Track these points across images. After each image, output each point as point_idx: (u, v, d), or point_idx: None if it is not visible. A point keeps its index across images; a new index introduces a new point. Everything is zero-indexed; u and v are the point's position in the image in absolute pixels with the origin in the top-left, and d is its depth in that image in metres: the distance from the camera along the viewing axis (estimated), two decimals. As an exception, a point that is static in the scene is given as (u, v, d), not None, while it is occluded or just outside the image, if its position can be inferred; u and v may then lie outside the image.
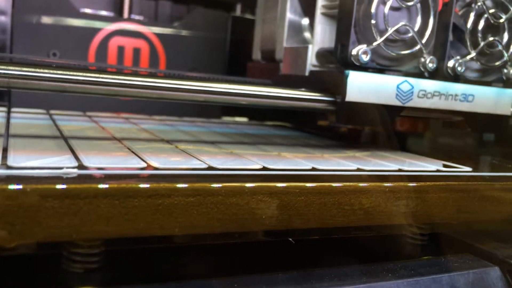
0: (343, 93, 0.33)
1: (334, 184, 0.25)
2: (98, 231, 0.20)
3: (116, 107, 0.49)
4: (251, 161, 0.28)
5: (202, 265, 0.26)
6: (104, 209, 0.20)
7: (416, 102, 0.35)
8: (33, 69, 0.27)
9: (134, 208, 0.20)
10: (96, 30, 0.49)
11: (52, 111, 0.44)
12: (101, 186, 0.20)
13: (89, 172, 0.22)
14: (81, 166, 0.22)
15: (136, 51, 0.51)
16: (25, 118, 0.38)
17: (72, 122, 0.38)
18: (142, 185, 0.20)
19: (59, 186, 0.19)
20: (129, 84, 0.30)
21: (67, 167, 0.21)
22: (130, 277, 0.23)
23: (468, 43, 0.37)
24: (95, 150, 0.27)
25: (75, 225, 0.19)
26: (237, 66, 0.52)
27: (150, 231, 0.21)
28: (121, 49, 0.51)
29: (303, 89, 0.35)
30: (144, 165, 0.24)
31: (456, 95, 0.37)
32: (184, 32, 0.53)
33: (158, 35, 0.52)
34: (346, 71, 0.33)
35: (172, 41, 0.52)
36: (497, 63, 0.38)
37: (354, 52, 0.33)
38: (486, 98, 0.38)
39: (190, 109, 0.52)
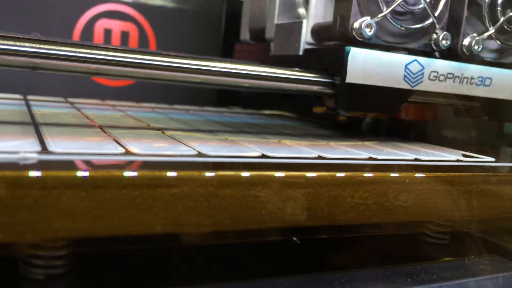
0: (343, 73, 0.29)
1: (344, 174, 0.22)
2: (60, 230, 0.16)
3: (103, 95, 0.46)
4: (248, 148, 0.24)
5: (189, 270, 0.22)
6: (67, 203, 0.16)
7: (427, 85, 0.31)
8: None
9: (105, 202, 0.16)
10: (81, 12, 0.45)
11: (29, 97, 0.40)
12: (63, 174, 0.16)
13: (52, 157, 0.18)
14: (44, 151, 0.19)
15: (124, 35, 0.48)
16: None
17: (47, 107, 0.34)
18: (115, 174, 0.17)
19: (9, 174, 0.15)
20: (111, 60, 0.26)
21: (26, 152, 0.18)
22: (101, 284, 0.19)
23: (486, 19, 0.33)
24: (66, 134, 0.23)
25: (30, 222, 0.16)
26: (232, 50, 0.49)
27: (126, 230, 0.17)
28: (108, 33, 0.47)
29: (295, 69, 0.30)
30: (122, 150, 0.20)
31: (472, 78, 0.33)
32: (175, 15, 0.49)
33: (148, 18, 0.48)
34: (347, 48, 0.29)
35: (163, 24, 0.48)
36: None
37: (356, 25, 0.29)
38: (505, 82, 0.34)
39: (180, 96, 0.49)
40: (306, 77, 0.30)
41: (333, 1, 0.31)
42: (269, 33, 0.37)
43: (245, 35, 0.42)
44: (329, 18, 0.32)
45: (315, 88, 0.30)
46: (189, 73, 0.27)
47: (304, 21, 0.33)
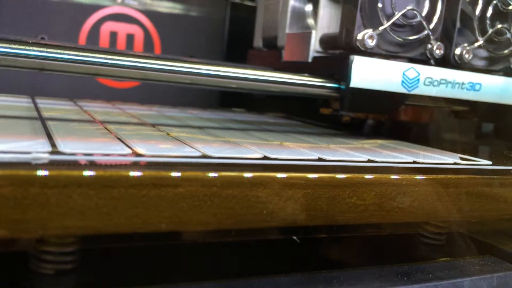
0: (348, 79, 0.32)
1: (344, 176, 0.22)
2: (70, 227, 0.17)
3: (108, 96, 0.46)
4: (250, 150, 0.25)
5: (192, 267, 0.23)
6: (77, 201, 0.17)
7: (422, 89, 0.34)
8: (7, 45, 0.25)
9: (113, 200, 0.17)
10: (87, 15, 0.46)
11: (36, 97, 0.41)
12: (74, 173, 0.17)
13: (62, 157, 0.19)
14: (54, 151, 0.19)
15: (130, 37, 0.48)
16: (4, 103, 0.35)
17: (55, 108, 0.35)
18: (123, 173, 0.17)
19: (22, 173, 0.16)
20: (116, 64, 0.27)
21: (37, 152, 0.18)
22: (108, 280, 0.20)
23: (476, 30, 0.36)
24: (75, 135, 0.24)
25: (42, 219, 0.16)
26: (235, 53, 0.50)
27: (132, 227, 0.18)
28: (113, 35, 0.48)
29: (306, 75, 0.33)
30: (129, 151, 0.21)
31: (463, 83, 0.35)
32: (180, 19, 0.50)
33: (153, 21, 0.49)
34: (351, 57, 0.32)
35: (167, 28, 0.49)
36: (505, 51, 0.37)
37: (359, 36, 0.32)
38: (493, 88, 0.37)
39: (185, 99, 0.49)
40: (315, 82, 0.33)
41: (339, 14, 0.34)
42: (281, 42, 0.41)
43: (258, 42, 0.45)
44: (335, 29, 0.35)
45: (322, 91, 0.33)
46: (205, 77, 0.29)
47: (313, 31, 0.36)
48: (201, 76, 0.29)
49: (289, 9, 0.39)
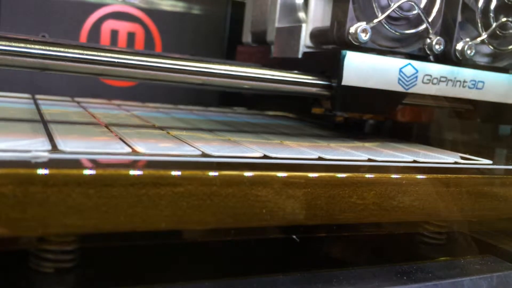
0: (339, 76, 0.30)
1: (343, 175, 0.22)
2: (69, 225, 0.17)
3: (109, 94, 0.46)
4: (250, 148, 0.25)
5: (192, 266, 0.23)
6: (76, 200, 0.17)
7: (421, 88, 0.32)
8: (8, 43, 0.25)
9: (112, 199, 0.17)
10: (88, 13, 0.46)
11: (37, 96, 0.41)
12: (73, 172, 0.17)
13: (62, 156, 0.19)
14: (54, 150, 0.19)
15: (131, 36, 0.48)
16: (4, 102, 0.35)
17: (55, 107, 0.35)
18: (122, 172, 0.17)
19: (22, 171, 0.16)
20: (118, 62, 0.27)
21: (37, 150, 0.18)
22: (108, 278, 0.20)
23: (479, 24, 0.33)
24: (75, 134, 0.24)
25: (41, 218, 0.16)
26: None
27: (132, 226, 0.18)
28: (114, 33, 0.48)
29: (294, 72, 0.31)
30: (129, 150, 0.21)
31: (464, 81, 0.33)
32: (181, 17, 0.50)
33: (154, 19, 0.49)
34: (343, 52, 0.30)
35: (168, 26, 0.49)
36: (510, 47, 0.35)
37: (352, 30, 0.30)
38: (497, 86, 0.35)
39: (186, 97, 0.49)
40: (304, 79, 0.31)
41: (331, 7, 0.32)
42: (270, 36, 0.38)
43: (247, 37, 0.43)
44: (327, 23, 0.32)
45: (312, 90, 0.31)
46: (191, 74, 0.27)
47: (304, 25, 0.34)
48: (173, 73, 0.27)
49: (279, 1, 0.37)
